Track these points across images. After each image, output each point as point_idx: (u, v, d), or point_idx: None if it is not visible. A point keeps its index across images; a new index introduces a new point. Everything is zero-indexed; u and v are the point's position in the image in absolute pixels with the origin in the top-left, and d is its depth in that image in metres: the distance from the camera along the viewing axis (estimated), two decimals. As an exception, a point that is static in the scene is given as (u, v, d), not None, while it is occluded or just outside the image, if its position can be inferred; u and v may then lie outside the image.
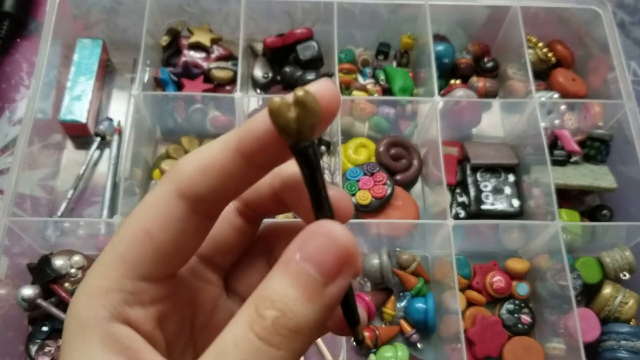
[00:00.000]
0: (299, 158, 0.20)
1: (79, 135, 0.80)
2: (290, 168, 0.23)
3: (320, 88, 0.20)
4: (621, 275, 0.73)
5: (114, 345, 0.20)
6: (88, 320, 0.21)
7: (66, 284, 0.68)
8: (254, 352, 0.19)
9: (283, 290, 0.19)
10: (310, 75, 0.79)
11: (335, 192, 0.22)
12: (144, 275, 0.21)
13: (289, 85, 0.81)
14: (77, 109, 0.77)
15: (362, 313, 0.24)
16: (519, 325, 0.71)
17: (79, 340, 0.21)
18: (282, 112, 0.19)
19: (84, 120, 0.77)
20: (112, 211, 0.75)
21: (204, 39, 0.81)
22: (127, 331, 0.21)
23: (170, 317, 0.23)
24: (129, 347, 0.21)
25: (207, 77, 0.81)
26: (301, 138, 0.19)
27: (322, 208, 0.21)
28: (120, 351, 0.20)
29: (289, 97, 0.19)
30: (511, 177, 0.79)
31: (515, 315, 0.72)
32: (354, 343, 0.24)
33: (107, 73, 0.85)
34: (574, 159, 0.79)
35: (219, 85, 0.81)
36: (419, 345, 0.71)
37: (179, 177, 0.21)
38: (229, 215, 0.25)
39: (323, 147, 0.80)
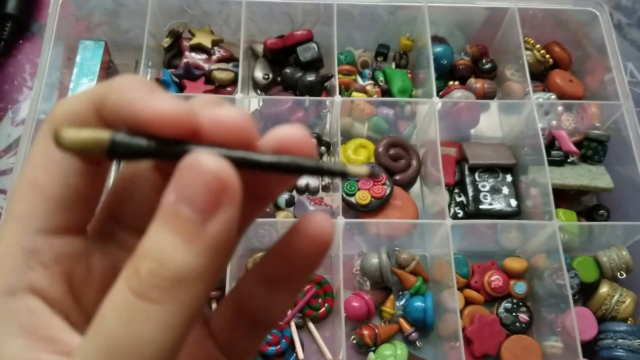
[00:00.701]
0: (124, 159, 0.19)
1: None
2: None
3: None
4: (618, 274, 0.73)
5: (13, 322, 0.18)
6: None
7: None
8: (130, 311, 0.17)
9: (159, 238, 0.17)
10: (310, 77, 0.80)
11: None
12: (40, 227, 0.19)
13: (289, 86, 0.81)
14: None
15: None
16: (517, 324, 0.72)
17: None
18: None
19: None
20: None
21: (205, 40, 0.82)
22: (29, 302, 0.19)
23: (86, 285, 0.21)
24: (30, 322, 0.18)
25: (208, 78, 0.81)
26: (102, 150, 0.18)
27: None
28: (20, 328, 0.18)
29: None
30: (509, 177, 0.79)
31: (513, 314, 0.72)
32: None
33: (109, 74, 0.86)
34: (571, 159, 0.79)
35: (220, 87, 0.81)
36: (418, 343, 0.72)
37: (50, 120, 0.20)
38: (145, 172, 0.22)
39: (323, 148, 0.80)
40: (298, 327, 0.71)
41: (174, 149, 0.18)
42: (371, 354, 0.70)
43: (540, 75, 0.87)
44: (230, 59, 0.83)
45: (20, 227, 0.19)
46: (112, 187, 0.23)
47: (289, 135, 0.19)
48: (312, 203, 0.75)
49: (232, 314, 0.23)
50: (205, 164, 0.17)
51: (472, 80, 0.85)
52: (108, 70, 0.85)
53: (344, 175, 0.20)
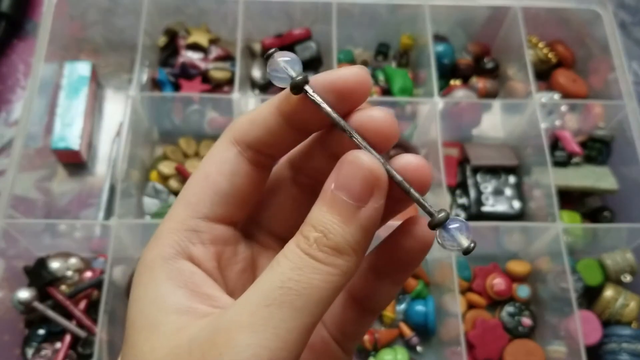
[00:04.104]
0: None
1: (72, 162, 0.77)
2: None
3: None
4: (622, 277, 0.72)
5: (178, 278, 0.23)
6: (154, 259, 0.23)
7: (62, 287, 0.68)
8: (300, 262, 0.21)
9: (322, 216, 0.21)
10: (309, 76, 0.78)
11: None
12: (205, 214, 0.24)
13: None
14: (69, 136, 0.74)
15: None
16: (520, 328, 0.71)
17: (145, 277, 0.23)
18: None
19: (77, 148, 0.74)
20: (109, 213, 0.74)
21: (202, 39, 0.81)
22: (190, 266, 0.23)
23: (230, 266, 0.25)
24: (191, 280, 0.23)
25: (205, 77, 0.80)
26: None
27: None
28: (183, 283, 0.23)
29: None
30: (512, 179, 0.78)
31: (516, 318, 0.71)
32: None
33: (102, 75, 0.84)
34: (574, 160, 0.78)
35: (217, 86, 0.80)
36: (418, 348, 0.70)
37: (232, 127, 0.24)
38: (286, 187, 0.27)
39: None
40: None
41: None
42: (371, 359, 0.68)
43: (543, 75, 0.85)
44: (227, 57, 0.82)
45: (188, 210, 0.24)
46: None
47: (413, 165, 0.24)
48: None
49: (343, 300, 0.26)
50: (363, 160, 0.21)
51: (473, 79, 0.84)
52: (97, 92, 0.82)
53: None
